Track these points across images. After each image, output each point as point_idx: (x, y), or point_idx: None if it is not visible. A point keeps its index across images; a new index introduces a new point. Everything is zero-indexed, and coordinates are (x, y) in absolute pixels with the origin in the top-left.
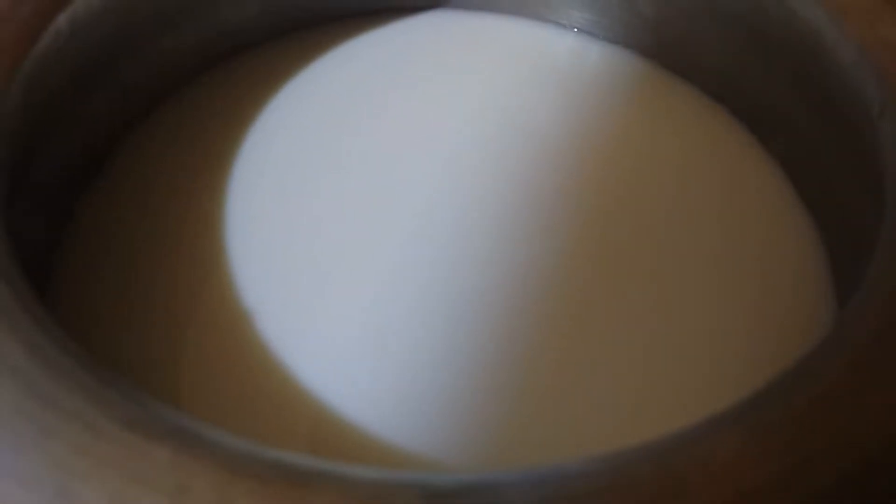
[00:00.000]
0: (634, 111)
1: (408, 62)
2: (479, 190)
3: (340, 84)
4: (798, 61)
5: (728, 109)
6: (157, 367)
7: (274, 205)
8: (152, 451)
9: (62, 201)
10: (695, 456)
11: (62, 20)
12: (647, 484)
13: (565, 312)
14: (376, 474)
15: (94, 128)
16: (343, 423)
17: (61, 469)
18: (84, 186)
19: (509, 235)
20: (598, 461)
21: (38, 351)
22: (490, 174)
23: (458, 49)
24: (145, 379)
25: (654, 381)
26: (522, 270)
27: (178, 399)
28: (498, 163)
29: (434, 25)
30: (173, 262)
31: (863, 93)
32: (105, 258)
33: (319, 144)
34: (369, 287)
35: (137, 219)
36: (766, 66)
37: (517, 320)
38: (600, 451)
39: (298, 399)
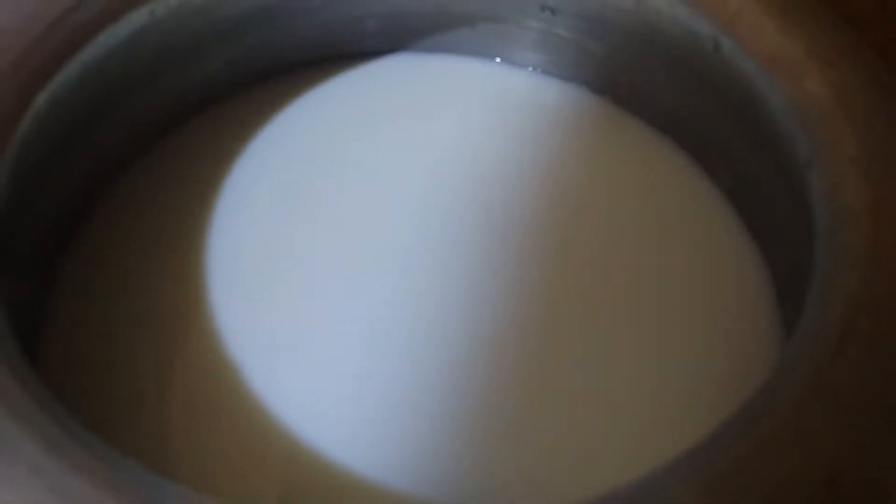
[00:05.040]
0: (588, 145)
1: (371, 107)
2: (446, 227)
3: (308, 132)
4: (737, 104)
5: (676, 143)
6: (145, 422)
7: (251, 258)
8: None
9: (46, 265)
10: None
11: (41, 97)
12: None
13: (523, 355)
14: None
15: (72, 191)
16: (329, 469)
17: None
18: (65, 249)
19: (475, 268)
20: None
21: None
22: (457, 210)
23: (420, 91)
24: (133, 433)
25: (609, 408)
26: (488, 308)
27: (165, 449)
28: (463, 198)
29: (395, 69)
30: (155, 317)
31: (792, 141)
32: (89, 318)
33: (292, 194)
34: (349, 333)
35: (118, 277)
36: (710, 105)
37: (485, 371)
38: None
39: (276, 439)
